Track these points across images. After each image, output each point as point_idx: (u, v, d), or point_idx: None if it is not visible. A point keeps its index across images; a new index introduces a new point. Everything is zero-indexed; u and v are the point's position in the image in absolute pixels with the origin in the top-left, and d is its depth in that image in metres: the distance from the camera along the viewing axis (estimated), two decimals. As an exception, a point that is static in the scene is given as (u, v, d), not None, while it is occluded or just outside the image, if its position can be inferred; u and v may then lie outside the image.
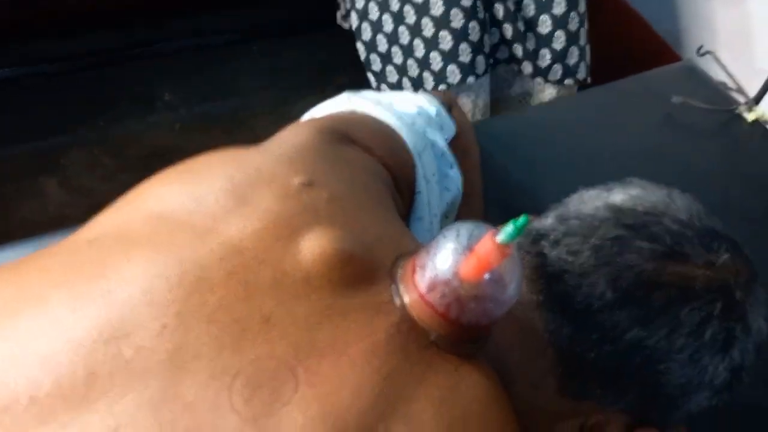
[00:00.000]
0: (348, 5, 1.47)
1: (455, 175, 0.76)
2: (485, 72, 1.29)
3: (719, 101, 1.05)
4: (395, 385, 0.43)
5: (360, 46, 1.38)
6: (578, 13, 1.30)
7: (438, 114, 0.76)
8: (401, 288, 0.48)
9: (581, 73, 1.33)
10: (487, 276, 0.46)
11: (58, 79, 1.57)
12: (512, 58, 1.35)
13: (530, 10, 1.29)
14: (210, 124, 1.56)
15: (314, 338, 0.44)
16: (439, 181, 0.73)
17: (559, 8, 1.28)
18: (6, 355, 0.42)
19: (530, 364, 0.53)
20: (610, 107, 1.05)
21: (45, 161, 1.46)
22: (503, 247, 0.45)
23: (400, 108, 0.71)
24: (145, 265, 0.46)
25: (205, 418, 0.40)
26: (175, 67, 1.63)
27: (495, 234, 0.46)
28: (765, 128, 1.03)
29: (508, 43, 1.32)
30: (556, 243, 0.54)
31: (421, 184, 0.68)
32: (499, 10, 1.29)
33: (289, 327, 0.44)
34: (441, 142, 0.74)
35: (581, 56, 1.32)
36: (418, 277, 0.47)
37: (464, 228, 0.47)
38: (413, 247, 0.52)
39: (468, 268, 0.46)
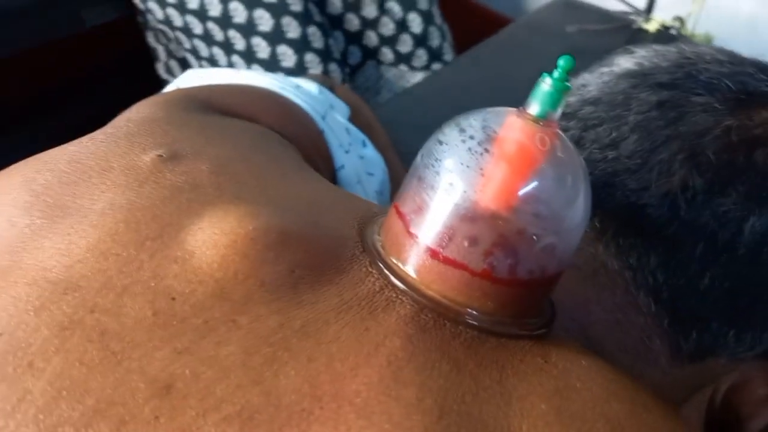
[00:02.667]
0: (164, 57, 1.27)
1: (373, 154, 0.56)
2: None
3: (613, 20, 0.93)
4: (463, 418, 0.21)
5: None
6: (423, -9, 1.16)
7: (321, 92, 0.55)
8: (394, 261, 0.26)
9: (447, 55, 1.19)
10: (535, 183, 0.25)
11: None
12: (367, 54, 1.18)
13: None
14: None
15: (275, 391, 0.22)
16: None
17: (401, -10, 1.14)
18: None
19: (620, 327, 0.33)
20: (503, 59, 0.90)
21: None
22: (545, 125, 0.25)
23: (271, 78, 0.50)
24: None
25: None
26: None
27: (523, 110, 0.26)
28: (670, 33, 0.92)
29: (358, 38, 1.16)
30: (580, 145, 0.35)
31: (340, 156, 0.47)
32: (335, 4, 1.13)
33: (216, 388, 0.21)
34: (339, 117, 0.54)
35: (443, 37, 1.19)
36: (418, 230, 0.26)
37: (467, 121, 0.26)
38: (377, 210, 0.31)
39: (498, 183, 0.25)
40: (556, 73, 0.26)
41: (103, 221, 0.27)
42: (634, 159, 0.35)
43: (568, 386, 0.24)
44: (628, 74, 0.38)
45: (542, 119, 0.26)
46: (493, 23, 1.40)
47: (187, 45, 1.17)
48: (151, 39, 1.31)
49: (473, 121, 0.27)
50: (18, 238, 0.27)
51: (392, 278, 0.26)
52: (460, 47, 1.24)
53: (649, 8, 0.97)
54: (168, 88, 0.48)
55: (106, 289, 0.24)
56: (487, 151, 0.26)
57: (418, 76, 1.19)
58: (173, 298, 0.24)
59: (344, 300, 0.25)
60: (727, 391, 0.36)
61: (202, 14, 1.10)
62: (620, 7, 1.00)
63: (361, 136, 0.56)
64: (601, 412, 0.24)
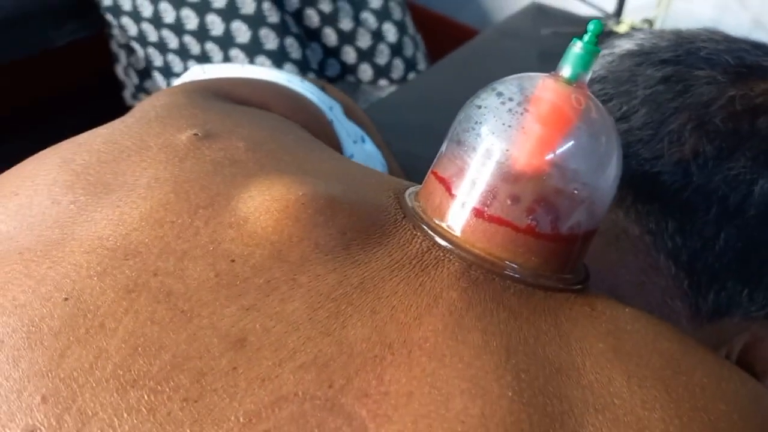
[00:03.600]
0: (135, 81, 1.27)
1: (372, 149, 0.57)
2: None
3: (584, 25, 0.96)
4: (529, 357, 0.23)
5: None
6: (397, 3, 1.19)
7: (311, 91, 0.56)
8: (438, 223, 0.27)
9: (421, 64, 1.22)
10: (570, 143, 0.26)
11: None
12: (345, 70, 1.20)
13: (347, 11, 1.15)
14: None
15: (344, 341, 0.22)
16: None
17: (375, 1, 1.16)
18: None
19: (644, 289, 0.34)
20: (480, 64, 0.92)
21: None
22: (577, 86, 0.27)
23: (277, 72, 0.51)
24: None
25: None
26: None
27: (556, 73, 0.27)
28: (640, 35, 0.95)
29: (335, 53, 1.17)
30: None
31: (349, 146, 0.48)
32: (313, 17, 1.14)
33: (288, 340, 0.22)
34: (336, 111, 0.55)
35: (416, 46, 1.21)
36: (460, 192, 0.27)
37: (504, 86, 0.28)
38: (407, 183, 0.32)
39: (536, 142, 0.26)
40: (586, 37, 0.28)
41: (151, 193, 0.27)
42: (646, 130, 0.36)
43: (618, 329, 0.25)
44: (631, 54, 0.40)
45: (574, 81, 0.28)
46: (461, 35, 1.43)
47: (159, 62, 1.17)
48: (119, 69, 1.31)
49: (510, 86, 0.28)
50: (65, 214, 0.27)
51: (438, 239, 0.27)
52: (430, 59, 1.27)
53: (619, 11, 1.01)
54: (175, 83, 0.48)
55: (165, 253, 0.25)
56: (526, 110, 0.27)
57: (395, 88, 1.21)
58: (233, 261, 0.25)
59: (395, 260, 0.26)
60: (741, 351, 0.38)
61: (178, 28, 1.11)
62: (591, 11, 1.03)
63: (360, 131, 0.57)
64: (653, 348, 0.25)
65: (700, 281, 0.35)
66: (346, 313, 0.24)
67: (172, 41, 1.12)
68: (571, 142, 0.27)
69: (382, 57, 1.18)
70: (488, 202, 0.27)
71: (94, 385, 0.21)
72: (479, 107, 0.28)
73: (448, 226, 0.27)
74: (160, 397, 0.21)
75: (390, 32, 1.18)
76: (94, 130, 0.33)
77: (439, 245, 0.27)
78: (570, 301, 0.27)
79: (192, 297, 0.23)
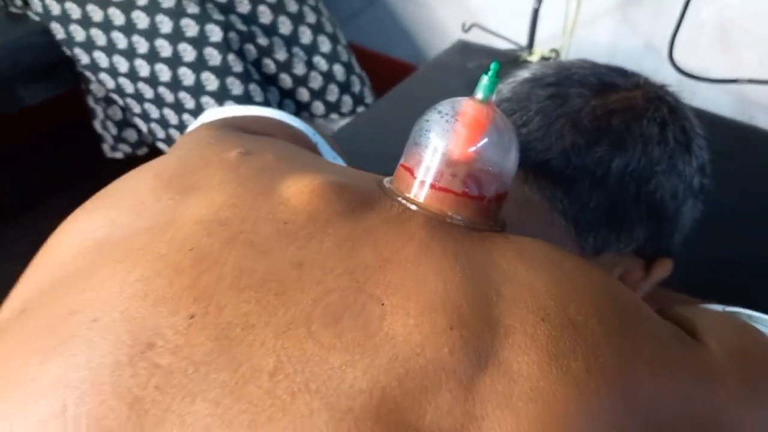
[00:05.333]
0: (114, 132, 1.41)
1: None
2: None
3: (504, 56, 1.14)
4: (471, 258, 0.38)
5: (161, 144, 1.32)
6: (344, 47, 1.36)
7: (297, 122, 0.72)
8: (407, 196, 0.43)
9: (368, 98, 1.39)
10: (485, 139, 0.43)
11: None
12: (300, 107, 1.36)
13: (300, 57, 1.32)
14: None
15: (362, 259, 0.38)
16: None
17: (325, 47, 1.33)
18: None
19: (546, 236, 0.51)
20: (419, 95, 1.09)
21: None
22: (487, 103, 0.43)
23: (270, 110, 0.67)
24: (118, 277, 0.36)
25: (301, 376, 0.32)
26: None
27: (474, 97, 0.44)
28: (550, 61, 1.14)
29: (291, 94, 1.34)
30: None
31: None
32: (270, 65, 1.30)
33: (328, 261, 0.37)
34: (317, 137, 0.70)
35: (363, 83, 1.38)
36: (419, 174, 0.43)
37: (443, 106, 0.44)
38: (382, 176, 0.48)
39: (464, 140, 0.43)
40: (490, 73, 0.44)
41: (224, 188, 0.42)
42: (539, 132, 0.53)
43: (522, 245, 0.41)
44: (527, 80, 0.57)
45: (485, 101, 0.44)
46: (397, 69, 1.61)
47: (137, 110, 1.31)
48: (97, 123, 1.43)
49: (446, 105, 0.44)
50: (168, 206, 0.42)
51: (409, 205, 0.43)
52: (374, 91, 1.44)
53: (531, 44, 1.19)
54: (192, 126, 0.63)
55: (242, 222, 0.40)
56: (457, 120, 0.43)
57: (346, 121, 1.37)
58: (286, 223, 0.40)
59: (383, 218, 0.42)
60: (620, 278, 0.55)
61: (153, 81, 1.25)
62: (508, 46, 1.22)
63: (334, 153, 0.73)
64: (543, 253, 0.41)
65: (582, 230, 0.52)
66: (359, 246, 0.39)
67: (148, 92, 1.27)
68: (486, 139, 0.43)
69: (332, 95, 1.35)
70: (438, 179, 0.43)
71: (221, 292, 0.36)
72: (427, 121, 0.44)
73: (414, 196, 0.43)
74: (260, 293, 0.36)
75: (339, 73, 1.35)
76: (163, 157, 0.48)
77: (410, 209, 0.43)
78: (493, 236, 0.43)
79: (266, 244, 0.39)
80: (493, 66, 0.44)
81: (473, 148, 0.43)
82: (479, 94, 0.44)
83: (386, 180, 0.46)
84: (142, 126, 1.32)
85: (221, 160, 0.46)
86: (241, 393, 0.32)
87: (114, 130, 1.44)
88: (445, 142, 0.43)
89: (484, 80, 0.44)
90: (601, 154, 0.51)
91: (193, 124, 0.64)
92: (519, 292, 0.37)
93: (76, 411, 0.32)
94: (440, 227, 0.41)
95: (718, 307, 0.50)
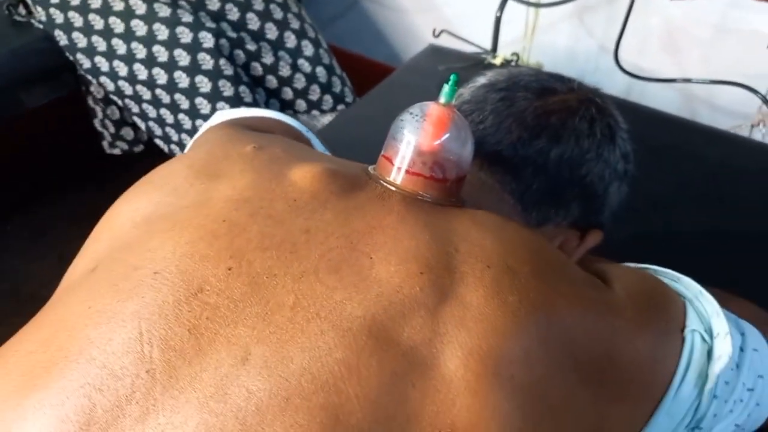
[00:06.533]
0: (112, 131, 1.51)
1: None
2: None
3: (470, 59, 1.27)
4: (436, 225, 0.51)
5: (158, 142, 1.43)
6: (325, 50, 1.48)
7: (291, 120, 0.84)
8: (387, 179, 0.55)
9: (348, 97, 1.50)
10: (447, 134, 0.55)
11: None
12: (284, 105, 1.48)
13: (286, 60, 1.43)
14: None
15: (354, 227, 0.50)
16: None
17: (308, 50, 1.45)
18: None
19: (497, 211, 0.63)
20: (393, 95, 1.21)
21: None
22: (448, 106, 0.56)
23: (270, 111, 0.79)
24: (170, 242, 0.48)
25: (313, 308, 0.44)
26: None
27: (437, 101, 0.56)
28: (511, 65, 1.27)
29: (276, 94, 1.45)
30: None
31: (323, 155, 0.76)
32: (258, 68, 1.42)
33: (329, 227, 0.49)
34: (310, 134, 0.83)
35: (343, 83, 1.50)
36: (396, 162, 0.55)
37: (414, 108, 0.56)
38: (366, 165, 0.60)
39: (430, 135, 0.55)
40: (450, 82, 0.57)
41: (244, 175, 0.54)
42: (492, 128, 0.65)
43: (476, 215, 0.53)
44: (483, 85, 0.69)
45: (447, 104, 0.56)
46: (374, 69, 1.73)
47: (136, 110, 1.41)
48: (97, 122, 1.53)
49: (416, 108, 0.56)
50: (200, 189, 0.53)
51: (389, 186, 0.55)
52: (355, 90, 1.56)
53: (494, 48, 1.32)
54: (206, 126, 0.75)
55: (261, 200, 0.51)
56: (425, 120, 0.55)
57: (327, 117, 1.49)
58: (295, 200, 0.52)
59: (369, 197, 0.54)
60: (558, 246, 0.68)
61: (150, 83, 1.36)
62: (473, 49, 1.35)
63: (323, 147, 0.85)
64: (492, 221, 0.53)
65: (527, 207, 0.64)
66: (351, 217, 0.51)
67: (146, 94, 1.37)
68: (447, 134, 0.55)
69: (315, 94, 1.46)
70: (411, 165, 0.55)
71: (250, 251, 0.47)
72: (401, 120, 0.56)
73: (393, 180, 0.55)
74: (279, 251, 0.47)
75: (321, 74, 1.47)
76: (191, 152, 0.60)
77: (390, 189, 0.55)
78: (454, 210, 0.55)
79: (280, 216, 0.50)
80: (452, 77, 0.56)
81: (438, 141, 0.55)
82: (442, 99, 0.56)
83: (371, 167, 0.58)
84: (141, 124, 1.42)
85: (239, 153, 0.58)
86: (270, 320, 0.44)
87: (112, 129, 1.54)
88: (416, 137, 0.55)
89: (446, 88, 0.56)
90: (541, 145, 0.62)
91: (206, 124, 0.76)
92: (471, 249, 0.49)
93: (149, 336, 0.44)
94: (413, 203, 0.53)
95: (632, 265, 0.63)
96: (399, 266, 0.47)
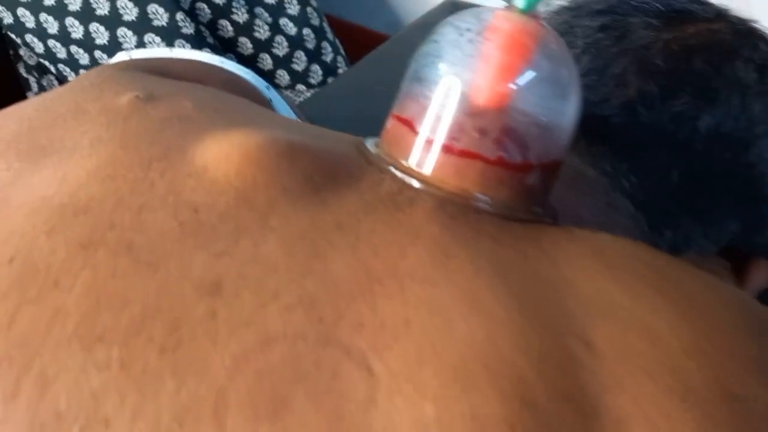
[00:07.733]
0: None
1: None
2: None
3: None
4: (522, 276, 0.23)
5: None
6: (314, 8, 1.21)
7: (245, 72, 0.55)
8: (406, 164, 0.26)
9: (342, 68, 1.25)
10: (531, 72, 0.26)
11: None
12: (261, 76, 1.19)
13: (264, 18, 1.15)
14: None
15: (327, 277, 0.22)
16: None
17: (292, 8, 1.18)
18: None
19: (605, 227, 0.35)
20: (404, 56, 0.93)
21: None
22: (533, 16, 0.27)
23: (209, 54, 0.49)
24: None
25: None
26: None
27: (510, 6, 0.27)
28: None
29: (251, 61, 1.17)
30: None
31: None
32: (227, 27, 1.14)
33: (267, 281, 0.21)
34: (272, 92, 0.54)
35: (335, 51, 1.22)
36: (424, 129, 0.26)
37: (461, 18, 0.27)
38: (364, 137, 0.31)
39: (498, 70, 0.26)
40: (537, -33, 0.28)
41: (96, 151, 0.26)
42: (591, 76, 0.37)
43: (601, 247, 0.25)
44: (563, 9, 0.42)
45: (529, 11, 0.28)
46: (374, 41, 1.46)
47: (72, 79, 1.13)
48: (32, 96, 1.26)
49: (467, 17, 0.28)
50: (7, 181, 0.25)
51: (408, 179, 0.26)
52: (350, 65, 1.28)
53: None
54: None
55: (121, 208, 0.23)
56: (486, 39, 0.27)
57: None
58: (196, 210, 0.23)
59: (367, 201, 0.25)
60: None
61: (88, 44, 1.08)
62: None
63: (296, 117, 0.56)
64: (639, 261, 0.25)
65: (656, 220, 0.36)
66: (325, 252, 0.22)
67: (83, 57, 1.09)
68: (532, 68, 0.27)
69: (300, 63, 1.19)
70: (456, 136, 0.26)
71: (53, 345, 0.19)
72: (436, 42, 0.28)
73: (417, 166, 0.27)
74: (133, 350, 0.19)
75: (308, 38, 1.19)
76: (25, 101, 0.31)
77: (411, 185, 0.26)
78: (546, 230, 0.26)
79: (156, 248, 0.22)
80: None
81: (513, 85, 0.26)
82: (520, 2, 0.28)
83: (370, 141, 0.29)
84: None
85: (103, 108, 0.29)
86: None
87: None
88: (467, 74, 0.26)
89: (527, -19, 0.27)
90: (682, 108, 0.36)
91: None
92: (626, 341, 0.20)
93: None
94: (462, 217, 0.25)
95: None
96: (446, 402, 0.18)
